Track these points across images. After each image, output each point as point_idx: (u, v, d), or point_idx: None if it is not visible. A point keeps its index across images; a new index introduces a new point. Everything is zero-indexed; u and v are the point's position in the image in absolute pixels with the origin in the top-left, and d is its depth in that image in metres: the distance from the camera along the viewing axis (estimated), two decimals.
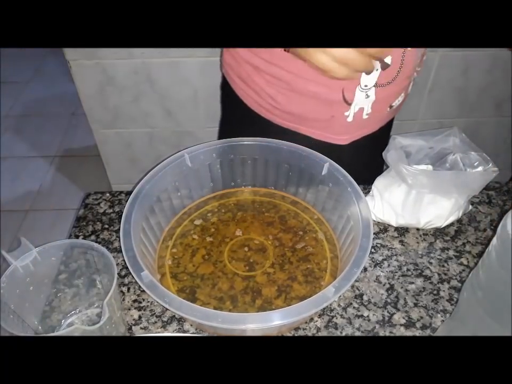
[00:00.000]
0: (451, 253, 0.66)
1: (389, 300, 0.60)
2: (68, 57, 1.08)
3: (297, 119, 0.73)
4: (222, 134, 0.90)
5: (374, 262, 0.64)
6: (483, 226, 0.69)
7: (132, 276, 0.51)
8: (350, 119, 0.70)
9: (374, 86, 0.66)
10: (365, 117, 0.71)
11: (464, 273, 0.63)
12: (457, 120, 1.27)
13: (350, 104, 0.68)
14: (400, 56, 0.65)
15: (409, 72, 0.69)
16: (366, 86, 0.66)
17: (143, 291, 0.55)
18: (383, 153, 0.67)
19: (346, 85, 0.66)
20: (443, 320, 0.57)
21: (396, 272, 0.63)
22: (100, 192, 0.76)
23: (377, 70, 0.65)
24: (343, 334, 0.56)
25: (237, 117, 0.82)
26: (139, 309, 0.59)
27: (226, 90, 0.80)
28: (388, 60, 0.64)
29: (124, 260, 0.54)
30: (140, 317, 0.58)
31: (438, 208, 0.65)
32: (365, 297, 0.60)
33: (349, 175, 0.62)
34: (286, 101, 0.71)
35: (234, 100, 0.78)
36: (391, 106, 0.72)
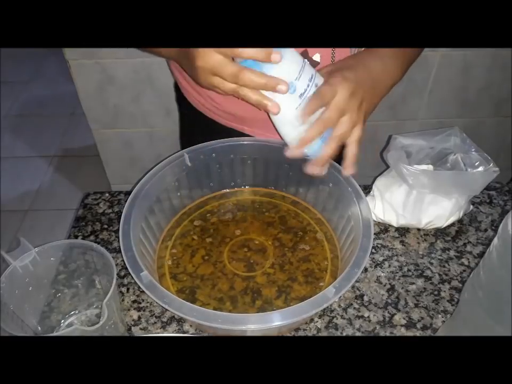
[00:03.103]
0: (452, 253, 0.66)
1: (389, 301, 0.60)
2: (67, 57, 1.08)
3: (238, 119, 0.72)
4: (181, 136, 0.90)
5: (374, 262, 0.64)
6: (484, 227, 0.69)
7: (131, 276, 0.50)
8: None
9: None
10: None
11: (465, 273, 0.63)
12: (458, 120, 1.27)
13: None
14: (329, 54, 0.63)
15: None
16: None
17: (143, 291, 0.55)
18: (383, 153, 0.67)
19: None
20: (444, 321, 0.57)
21: (397, 272, 0.63)
22: (99, 192, 0.75)
23: None
24: (344, 335, 0.56)
25: (190, 118, 0.82)
26: (138, 309, 0.59)
27: (177, 90, 0.80)
28: (316, 57, 0.63)
29: (123, 260, 0.54)
30: (139, 318, 0.58)
31: (439, 209, 0.65)
32: (365, 298, 0.60)
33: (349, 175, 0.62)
34: (224, 102, 0.70)
35: (184, 100, 0.77)
36: None
